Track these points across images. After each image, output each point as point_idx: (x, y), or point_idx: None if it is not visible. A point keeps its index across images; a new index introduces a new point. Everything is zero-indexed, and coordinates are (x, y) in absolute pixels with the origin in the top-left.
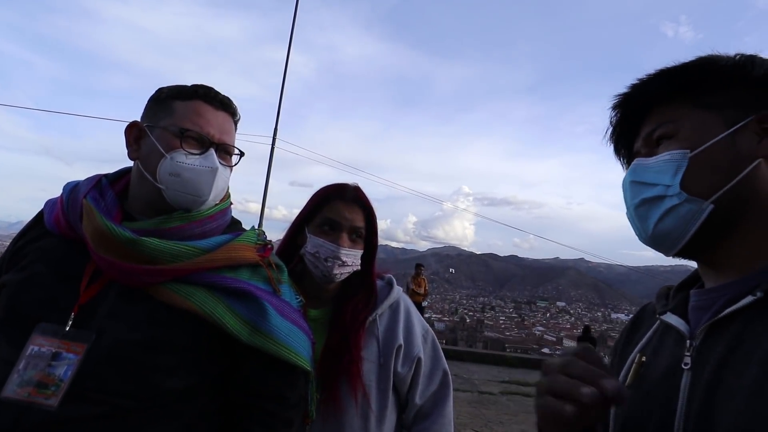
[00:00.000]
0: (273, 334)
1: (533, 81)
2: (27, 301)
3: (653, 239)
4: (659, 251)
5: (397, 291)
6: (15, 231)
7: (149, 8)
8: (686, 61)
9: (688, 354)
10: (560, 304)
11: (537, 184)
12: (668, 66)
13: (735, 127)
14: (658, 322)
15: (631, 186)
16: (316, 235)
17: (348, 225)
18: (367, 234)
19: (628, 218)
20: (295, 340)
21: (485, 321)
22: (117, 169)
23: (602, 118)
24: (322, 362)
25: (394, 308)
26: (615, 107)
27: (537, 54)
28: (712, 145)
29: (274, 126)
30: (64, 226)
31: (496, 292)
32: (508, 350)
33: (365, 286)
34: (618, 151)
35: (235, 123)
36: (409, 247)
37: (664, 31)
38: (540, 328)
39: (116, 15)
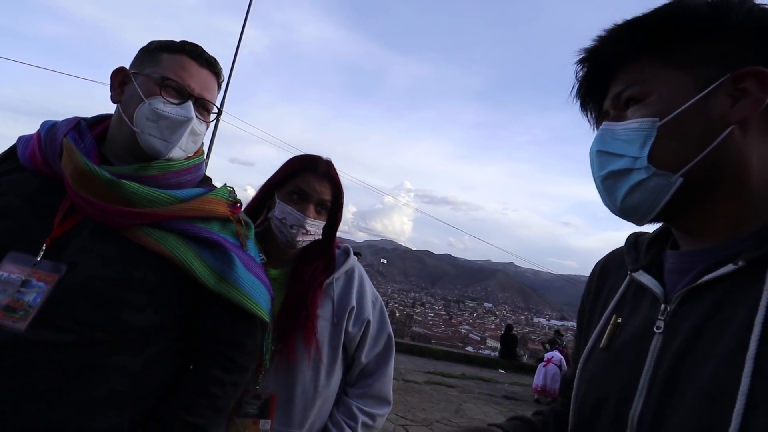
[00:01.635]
0: (237, 283)
1: (484, 87)
2: None
3: (622, 211)
4: (630, 221)
5: (353, 259)
6: None
7: None
8: (656, 7)
9: (661, 318)
10: (487, 304)
11: (477, 187)
12: (637, 16)
13: (707, 90)
14: (628, 278)
15: (598, 156)
16: (285, 202)
17: (316, 197)
18: (332, 207)
19: (597, 188)
20: (257, 291)
21: (414, 316)
22: (38, 122)
23: (544, 130)
24: (280, 317)
25: (350, 274)
26: (581, 61)
27: (490, 61)
28: (683, 112)
29: (221, 99)
30: (40, 162)
31: (427, 289)
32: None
33: (325, 254)
34: (585, 108)
35: (219, 84)
36: (345, 236)
37: None
38: (466, 327)
39: None
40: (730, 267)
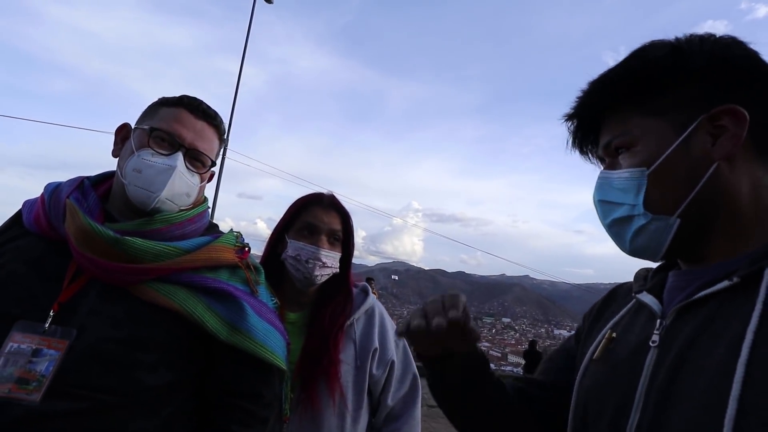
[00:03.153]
0: (250, 333)
1: (482, 102)
2: (5, 298)
3: (633, 252)
4: (642, 259)
5: (372, 298)
6: None
7: (96, 12)
8: (625, 58)
9: (656, 332)
10: (505, 320)
11: (484, 202)
12: (611, 69)
13: (685, 134)
14: (633, 300)
15: (600, 205)
16: (296, 240)
17: (326, 228)
18: (344, 237)
19: (606, 232)
20: (271, 339)
21: None
22: (51, 174)
23: (546, 139)
24: (302, 364)
25: (370, 314)
26: (569, 118)
27: (486, 76)
28: (667, 158)
29: (224, 137)
30: (44, 226)
31: None
32: None
33: (342, 292)
34: (584, 154)
35: (219, 137)
36: (357, 261)
37: (606, 60)
38: (486, 344)
39: (59, 17)
40: (725, 283)
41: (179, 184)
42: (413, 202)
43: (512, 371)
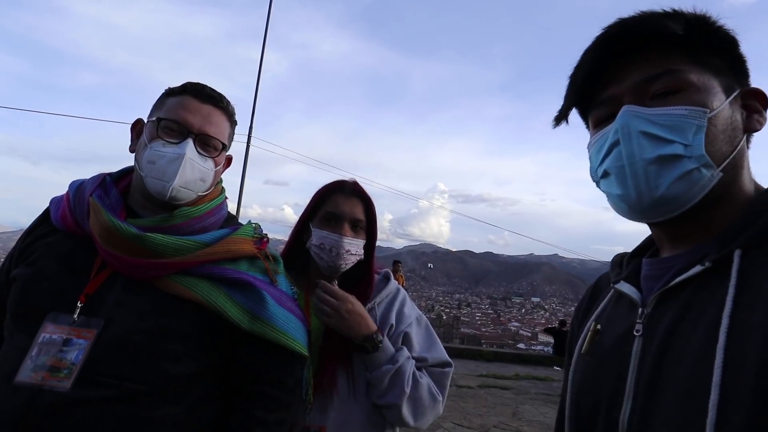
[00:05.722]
0: (271, 320)
1: (507, 80)
2: (37, 293)
3: (660, 200)
4: (652, 215)
5: (393, 284)
6: None
7: (119, 5)
8: (681, 10)
9: (639, 321)
10: (535, 299)
11: (511, 182)
12: (663, 10)
13: (732, 96)
14: (612, 290)
15: (643, 137)
16: (320, 228)
17: (349, 216)
18: (368, 225)
19: (625, 174)
20: (292, 326)
21: (462, 317)
22: (83, 167)
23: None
24: (321, 348)
25: (391, 298)
26: (603, 41)
27: (511, 53)
28: (722, 110)
29: (249, 124)
30: (71, 223)
31: (471, 289)
32: (484, 346)
33: (365, 279)
34: (570, 101)
35: (229, 118)
36: (385, 244)
37: None
38: (515, 324)
39: (84, 11)
40: (698, 268)
41: (191, 170)
42: (439, 184)
43: (542, 350)
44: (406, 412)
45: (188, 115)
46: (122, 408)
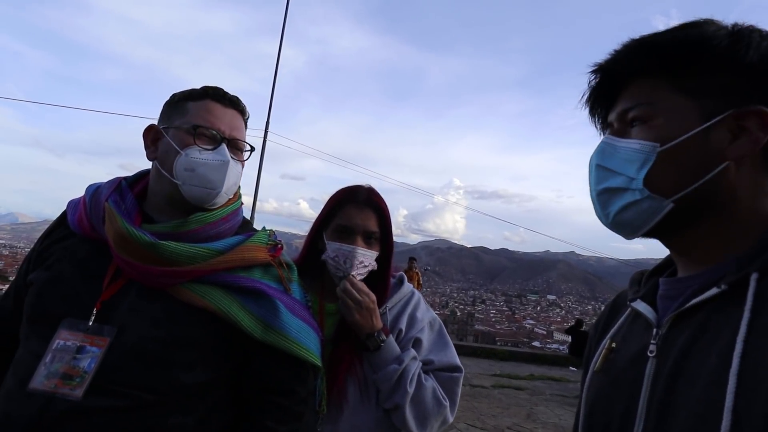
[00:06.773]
0: (284, 330)
1: (524, 75)
2: (53, 298)
3: (613, 225)
4: (619, 235)
5: (407, 287)
6: (4, 223)
7: (141, 1)
8: (673, 28)
9: (654, 342)
10: (551, 297)
11: (527, 178)
12: (655, 33)
13: (710, 122)
14: (629, 308)
15: (597, 170)
16: (333, 240)
17: (362, 229)
18: (382, 236)
19: (591, 199)
20: (305, 336)
21: (476, 314)
22: (106, 160)
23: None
24: (333, 354)
25: (404, 303)
26: (594, 72)
27: (528, 48)
28: (684, 141)
29: (265, 119)
30: (87, 228)
31: (486, 286)
32: (498, 343)
33: (379, 287)
34: (593, 114)
35: (245, 121)
36: (399, 240)
37: (656, 25)
38: (530, 322)
39: (107, 7)
40: (714, 291)
41: (232, 176)
42: (454, 180)
43: (558, 349)
44: (409, 415)
45: (217, 120)
46: (134, 417)
